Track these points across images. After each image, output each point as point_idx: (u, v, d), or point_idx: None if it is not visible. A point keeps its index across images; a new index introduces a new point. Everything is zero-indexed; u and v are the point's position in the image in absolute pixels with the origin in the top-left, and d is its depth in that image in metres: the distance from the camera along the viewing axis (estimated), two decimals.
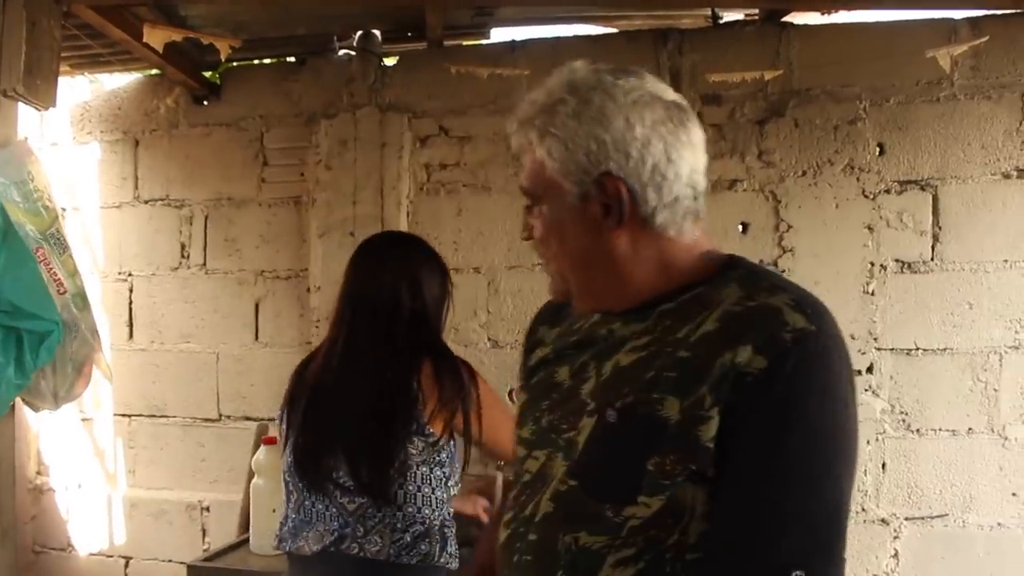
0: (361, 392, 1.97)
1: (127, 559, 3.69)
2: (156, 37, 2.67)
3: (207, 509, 3.58)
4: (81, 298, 2.49)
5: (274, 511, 2.74)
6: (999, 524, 3.04)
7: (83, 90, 3.72)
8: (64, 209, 3.70)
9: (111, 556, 3.70)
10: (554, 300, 1.23)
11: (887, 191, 3.11)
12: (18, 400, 2.57)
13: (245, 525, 2.94)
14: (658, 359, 1.05)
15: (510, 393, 3.10)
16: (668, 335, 1.06)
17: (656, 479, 1.00)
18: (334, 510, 1.99)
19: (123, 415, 3.69)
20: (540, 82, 1.14)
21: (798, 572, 0.94)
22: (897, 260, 3.10)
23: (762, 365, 0.96)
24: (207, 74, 3.58)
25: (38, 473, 3.79)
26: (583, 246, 1.11)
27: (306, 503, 2.05)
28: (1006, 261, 3.04)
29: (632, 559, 1.01)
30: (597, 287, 1.14)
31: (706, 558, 0.99)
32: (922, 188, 3.10)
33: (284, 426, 2.13)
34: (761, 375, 0.96)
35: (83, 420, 3.72)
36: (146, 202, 3.65)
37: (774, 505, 0.96)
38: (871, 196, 3.11)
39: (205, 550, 3.46)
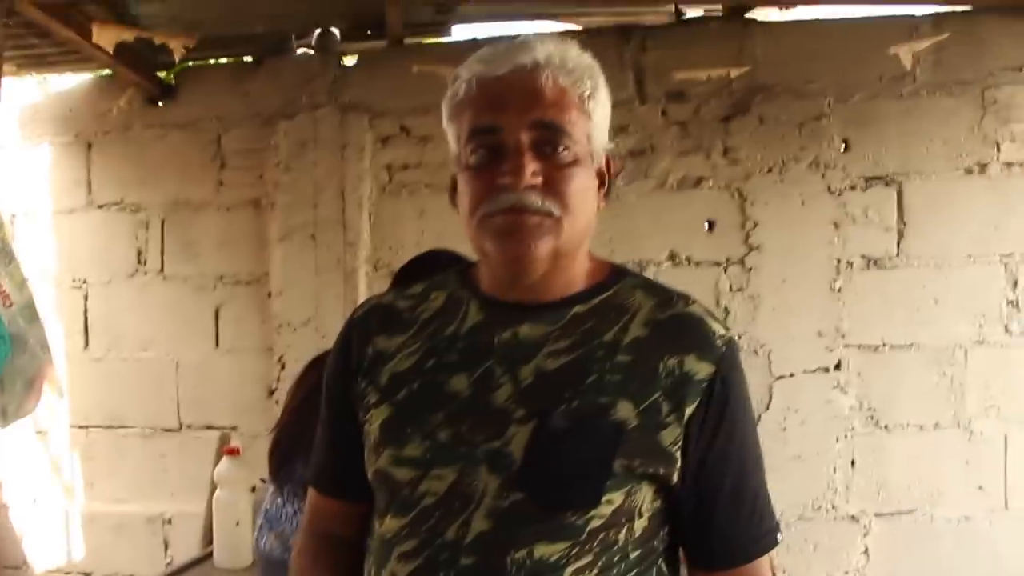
0: None
1: (87, 575, 3.58)
2: (106, 37, 2.59)
3: (169, 521, 3.49)
4: (30, 310, 2.40)
5: (238, 524, 2.67)
6: (966, 518, 3.06)
7: (32, 91, 3.61)
8: (14, 215, 3.59)
9: (70, 573, 3.60)
10: (521, 258, 1.05)
11: (852, 187, 3.11)
12: None
13: (209, 538, 2.86)
14: (593, 363, 1.06)
15: None
16: (591, 338, 1.08)
17: (621, 479, 1.02)
18: (298, 518, 1.93)
19: (80, 426, 3.59)
20: (544, 36, 1.09)
21: (779, 535, 1.12)
22: (863, 256, 3.10)
23: (710, 371, 1.06)
24: (162, 75, 3.49)
25: None
26: (589, 213, 1.10)
27: (278, 500, 2.00)
28: (969, 256, 3.05)
29: (589, 566, 1.02)
30: (567, 264, 1.10)
31: (705, 540, 1.09)
32: (887, 184, 3.10)
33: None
34: (711, 379, 1.06)
35: (38, 432, 3.61)
36: (100, 207, 3.55)
37: (753, 486, 1.10)
38: (837, 192, 3.11)
39: (168, 564, 3.39)
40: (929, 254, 3.08)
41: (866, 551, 3.09)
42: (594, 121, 1.08)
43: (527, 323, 1.09)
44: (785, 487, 3.07)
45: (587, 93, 1.07)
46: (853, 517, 3.09)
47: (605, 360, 1.06)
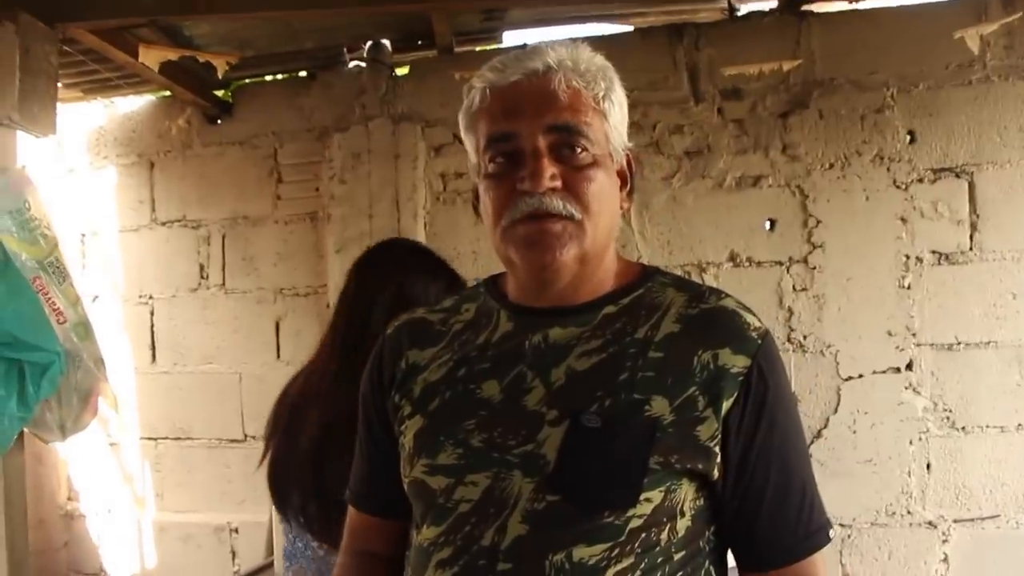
0: (314, 420, 1.78)
1: None
2: (152, 57, 2.65)
3: (235, 531, 3.55)
4: (83, 327, 2.46)
5: None
6: None
7: (98, 115, 3.71)
8: (84, 235, 3.71)
9: None
10: (548, 263, 1.04)
11: (920, 180, 2.98)
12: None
13: (271, 548, 2.90)
14: (625, 360, 1.05)
15: None
16: (623, 337, 1.07)
17: (658, 476, 1.00)
18: (309, 553, 1.82)
19: (149, 438, 3.68)
20: (554, 42, 1.10)
21: (831, 531, 1.09)
22: (933, 251, 2.97)
23: (746, 363, 1.04)
24: (219, 93, 3.55)
25: (69, 499, 3.80)
26: (612, 214, 1.10)
27: (289, 535, 1.88)
28: None
29: (631, 568, 1.00)
30: (594, 266, 1.10)
31: (753, 539, 1.07)
32: (957, 175, 2.96)
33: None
34: (748, 372, 1.04)
35: (111, 445, 3.72)
36: (163, 224, 3.63)
37: (800, 481, 1.08)
38: (903, 186, 2.98)
39: (235, 572, 3.44)
40: (1005, 247, 2.93)
41: (945, 559, 2.95)
42: (610, 121, 1.08)
43: (557, 326, 1.09)
44: (856, 492, 2.97)
45: (601, 94, 1.07)
46: (930, 523, 2.96)
47: (637, 357, 1.05)
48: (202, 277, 3.59)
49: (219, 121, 3.58)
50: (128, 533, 3.69)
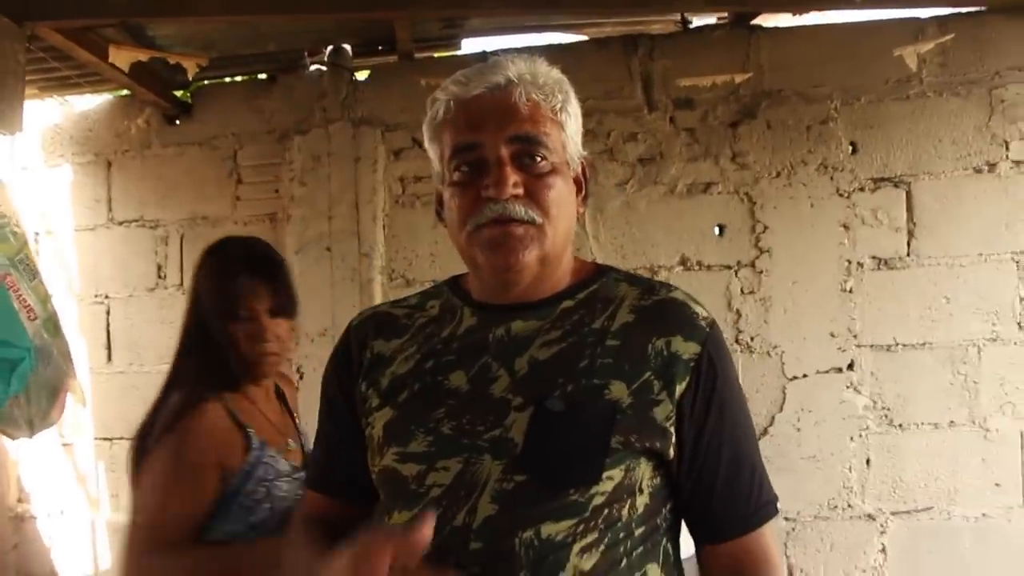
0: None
1: None
2: (122, 57, 2.66)
3: None
4: (53, 324, 2.46)
5: None
6: (984, 515, 3.06)
7: (54, 112, 3.68)
8: (38, 233, 3.67)
9: None
10: (509, 266, 1.12)
11: (861, 189, 3.13)
12: None
13: None
14: (584, 348, 1.13)
15: None
16: (581, 327, 1.15)
17: (619, 455, 1.08)
18: None
19: (104, 439, 3.63)
20: (514, 56, 1.16)
21: (778, 504, 1.18)
22: (873, 257, 3.12)
23: (696, 350, 1.13)
24: (179, 93, 3.55)
25: (19, 500, 3.74)
26: (570, 218, 1.18)
27: None
28: (980, 254, 3.07)
29: (595, 543, 1.06)
30: (553, 267, 1.17)
31: (708, 513, 1.15)
32: (895, 185, 3.12)
33: None
34: (698, 358, 1.12)
35: (64, 445, 3.67)
36: (120, 224, 3.61)
37: (749, 459, 1.17)
38: (845, 195, 3.13)
39: None
40: (940, 253, 3.09)
41: (883, 549, 3.10)
42: (567, 131, 1.17)
43: (519, 320, 1.17)
44: (801, 487, 3.10)
45: (558, 106, 1.15)
46: (870, 516, 3.10)
47: (596, 345, 1.13)
48: (159, 277, 3.58)
49: (178, 122, 3.57)
50: (81, 534, 3.66)
